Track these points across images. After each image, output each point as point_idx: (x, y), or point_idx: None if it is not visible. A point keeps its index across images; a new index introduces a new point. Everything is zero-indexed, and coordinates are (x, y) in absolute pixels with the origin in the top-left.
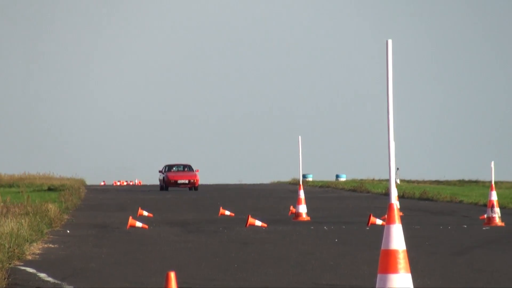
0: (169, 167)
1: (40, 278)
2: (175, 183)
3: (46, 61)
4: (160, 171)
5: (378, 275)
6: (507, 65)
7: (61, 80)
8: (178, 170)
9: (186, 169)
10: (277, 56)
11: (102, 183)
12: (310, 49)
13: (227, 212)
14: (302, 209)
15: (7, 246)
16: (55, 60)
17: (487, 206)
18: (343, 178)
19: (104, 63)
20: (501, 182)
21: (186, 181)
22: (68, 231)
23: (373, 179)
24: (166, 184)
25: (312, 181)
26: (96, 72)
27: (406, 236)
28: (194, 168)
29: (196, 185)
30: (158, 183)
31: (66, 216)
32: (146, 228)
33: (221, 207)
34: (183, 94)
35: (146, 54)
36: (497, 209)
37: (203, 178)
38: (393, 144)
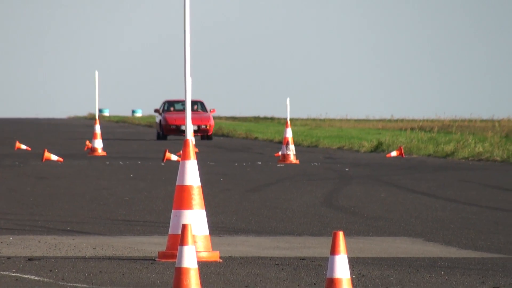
0: (169, 105)
1: None
2: (176, 129)
3: None
4: (156, 111)
5: (173, 211)
6: None
7: None
8: (183, 110)
9: (196, 107)
10: None
11: None
12: None
13: (23, 146)
14: (98, 144)
15: None
16: None
17: (282, 143)
18: (139, 114)
19: None
20: (296, 119)
21: (195, 127)
22: None
23: None
24: (164, 130)
25: (109, 116)
26: None
27: (201, 172)
28: (208, 107)
29: (210, 133)
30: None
31: None
32: None
33: (17, 141)
34: None
35: None
36: (291, 146)
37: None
38: (190, 80)
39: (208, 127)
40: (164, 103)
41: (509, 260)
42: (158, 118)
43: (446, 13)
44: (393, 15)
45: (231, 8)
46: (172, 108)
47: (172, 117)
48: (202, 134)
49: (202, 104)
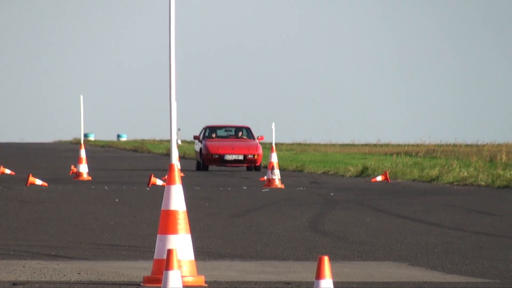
0: (210, 131)
1: None
2: (219, 159)
3: None
4: (196, 137)
5: (158, 236)
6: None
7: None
8: (227, 137)
9: (240, 134)
10: (63, 15)
11: None
12: (93, 9)
13: (8, 171)
14: (83, 168)
15: None
16: None
17: (268, 167)
18: (124, 138)
19: None
20: (281, 144)
21: (240, 157)
22: None
23: (154, 140)
24: (205, 160)
25: (94, 141)
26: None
27: (186, 197)
28: (256, 133)
29: (258, 163)
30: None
31: None
32: None
33: (1, 166)
34: None
35: None
36: (277, 171)
37: None
38: (175, 104)
39: (256, 156)
40: (205, 129)
41: (493, 285)
42: (197, 146)
43: (429, 36)
44: (376, 37)
45: (216, 32)
46: (214, 135)
47: (214, 145)
48: (248, 164)
49: (248, 130)
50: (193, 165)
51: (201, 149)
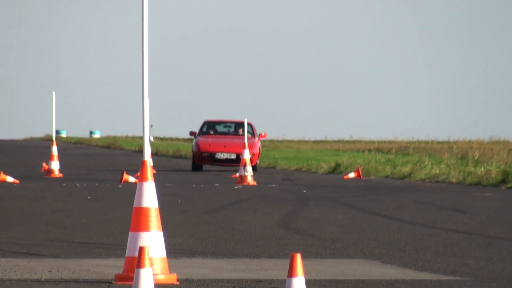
0: (208, 127)
1: None
2: (210, 157)
3: None
4: (192, 134)
5: (130, 233)
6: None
7: None
8: (227, 133)
9: (240, 131)
10: (34, 11)
11: None
12: (65, 4)
13: None
14: (55, 165)
15: None
16: None
17: (240, 164)
18: (97, 135)
19: None
20: None
21: (232, 156)
22: None
23: (127, 136)
24: (195, 158)
25: (66, 137)
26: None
27: (159, 194)
28: (258, 129)
29: (254, 163)
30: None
31: None
32: None
33: None
34: None
35: None
36: (249, 168)
37: None
38: (148, 101)
39: (251, 156)
40: (203, 124)
41: (464, 282)
42: (194, 142)
43: (401, 33)
44: (350, 33)
45: (189, 27)
46: (211, 131)
47: (206, 142)
48: (244, 165)
49: (249, 126)
50: (164, 161)
51: (193, 145)
